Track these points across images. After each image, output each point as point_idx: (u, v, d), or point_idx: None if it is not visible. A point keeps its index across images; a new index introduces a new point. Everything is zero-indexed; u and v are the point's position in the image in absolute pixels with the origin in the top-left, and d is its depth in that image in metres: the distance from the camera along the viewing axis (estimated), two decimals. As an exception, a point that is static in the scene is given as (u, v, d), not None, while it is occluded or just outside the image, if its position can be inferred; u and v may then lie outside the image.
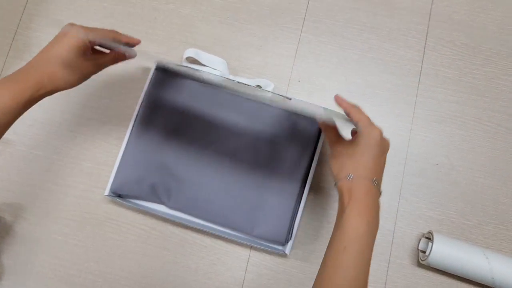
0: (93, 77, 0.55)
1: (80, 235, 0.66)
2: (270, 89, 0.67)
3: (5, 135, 0.47)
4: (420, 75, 0.70)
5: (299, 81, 0.70)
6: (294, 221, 0.62)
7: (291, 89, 0.70)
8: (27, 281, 0.64)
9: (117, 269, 0.65)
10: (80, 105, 0.70)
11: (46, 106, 0.69)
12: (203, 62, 0.67)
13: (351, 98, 0.68)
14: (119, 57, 0.56)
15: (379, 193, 0.50)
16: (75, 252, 0.65)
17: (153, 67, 0.65)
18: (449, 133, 0.68)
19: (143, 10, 0.73)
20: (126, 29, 0.61)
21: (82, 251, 0.65)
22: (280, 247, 0.63)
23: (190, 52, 0.67)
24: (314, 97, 0.69)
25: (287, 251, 0.60)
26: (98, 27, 0.53)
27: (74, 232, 0.66)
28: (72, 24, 0.51)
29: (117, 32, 0.55)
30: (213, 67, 0.67)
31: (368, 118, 0.51)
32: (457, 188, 0.67)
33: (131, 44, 0.57)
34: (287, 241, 0.62)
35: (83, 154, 0.68)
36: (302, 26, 0.72)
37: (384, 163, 0.52)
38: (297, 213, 0.62)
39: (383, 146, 0.51)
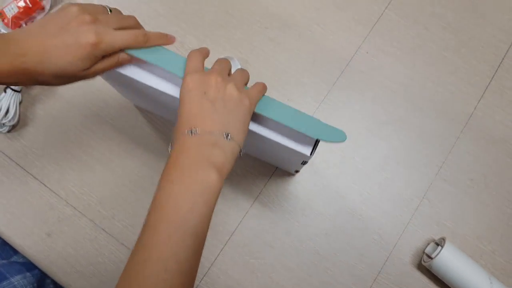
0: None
1: (112, 112, 0.69)
2: (235, 67, 0.68)
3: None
4: (485, 90, 0.71)
5: (367, 53, 0.72)
6: None
7: (357, 57, 0.72)
8: (50, 136, 0.69)
9: (136, 155, 0.68)
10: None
11: None
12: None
13: (411, 86, 0.71)
14: (124, 61, 0.46)
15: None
16: (101, 125, 0.69)
17: None
18: (494, 155, 0.69)
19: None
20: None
21: (108, 126, 0.69)
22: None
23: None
24: (375, 72, 0.71)
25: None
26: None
27: (109, 108, 0.69)
28: (93, 21, 0.41)
29: (144, 33, 0.45)
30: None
31: (194, 63, 0.43)
32: (484, 210, 0.67)
33: (165, 44, 0.47)
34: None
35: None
36: (389, 4, 0.74)
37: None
38: None
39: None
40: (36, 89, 0.70)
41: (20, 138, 0.68)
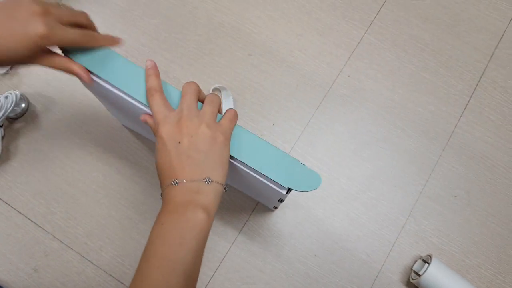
0: None
1: (97, 143, 0.69)
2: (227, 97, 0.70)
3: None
4: (465, 109, 0.73)
5: (348, 76, 0.74)
6: None
7: (339, 80, 0.74)
8: (34, 170, 0.68)
9: (122, 186, 0.68)
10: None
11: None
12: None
13: (392, 107, 0.73)
14: (71, 70, 0.45)
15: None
16: (86, 156, 0.69)
17: None
18: (476, 171, 0.71)
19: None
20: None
21: (93, 157, 0.69)
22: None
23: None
24: (357, 94, 0.73)
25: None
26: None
27: (94, 140, 0.69)
28: (45, 12, 0.40)
29: (92, 34, 0.45)
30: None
31: (160, 112, 0.44)
32: (468, 225, 0.69)
33: (111, 46, 0.47)
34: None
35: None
36: (368, 28, 0.76)
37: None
38: None
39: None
40: (19, 124, 0.70)
41: (3, 173, 0.68)
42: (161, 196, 0.44)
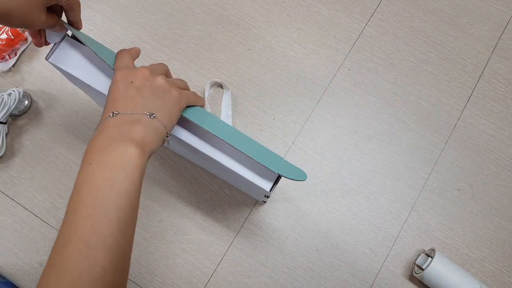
0: None
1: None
2: (228, 93, 0.70)
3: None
4: (468, 101, 0.73)
5: (349, 70, 0.74)
6: None
7: (340, 74, 0.74)
8: (37, 165, 0.69)
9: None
10: (140, 26, 0.75)
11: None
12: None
13: (394, 100, 0.72)
14: (41, 36, 0.47)
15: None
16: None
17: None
18: (479, 164, 0.70)
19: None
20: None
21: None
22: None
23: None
24: (358, 88, 0.73)
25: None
26: None
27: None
28: None
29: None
30: None
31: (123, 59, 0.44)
32: (472, 219, 0.68)
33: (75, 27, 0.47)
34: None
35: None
36: (368, 20, 0.76)
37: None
38: None
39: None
40: (22, 120, 0.71)
41: (8, 169, 0.69)
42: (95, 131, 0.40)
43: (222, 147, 0.47)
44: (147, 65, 0.44)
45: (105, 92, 0.46)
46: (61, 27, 0.46)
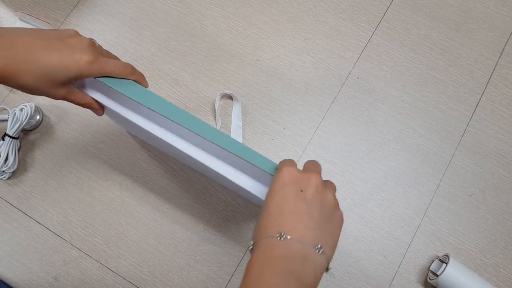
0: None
1: (112, 152, 0.71)
2: (238, 104, 0.71)
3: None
4: (476, 107, 0.74)
5: (358, 78, 0.75)
6: None
7: (348, 82, 0.74)
8: (50, 180, 0.70)
9: (137, 194, 0.69)
10: (149, 39, 0.76)
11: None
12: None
13: (403, 107, 0.73)
14: (93, 107, 0.49)
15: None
16: (101, 166, 0.70)
17: None
18: (490, 169, 0.71)
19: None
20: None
21: (107, 166, 0.70)
22: None
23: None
24: (367, 96, 0.74)
25: None
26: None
27: (108, 149, 0.71)
28: (93, 44, 0.44)
29: (132, 66, 0.47)
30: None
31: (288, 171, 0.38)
32: (484, 224, 0.69)
33: (141, 83, 0.48)
34: None
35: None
36: (376, 29, 0.77)
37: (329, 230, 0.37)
38: None
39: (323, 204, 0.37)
40: (34, 135, 0.72)
41: (21, 184, 0.70)
42: (252, 246, 0.36)
43: (238, 165, 0.46)
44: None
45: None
46: (94, 104, 0.49)
